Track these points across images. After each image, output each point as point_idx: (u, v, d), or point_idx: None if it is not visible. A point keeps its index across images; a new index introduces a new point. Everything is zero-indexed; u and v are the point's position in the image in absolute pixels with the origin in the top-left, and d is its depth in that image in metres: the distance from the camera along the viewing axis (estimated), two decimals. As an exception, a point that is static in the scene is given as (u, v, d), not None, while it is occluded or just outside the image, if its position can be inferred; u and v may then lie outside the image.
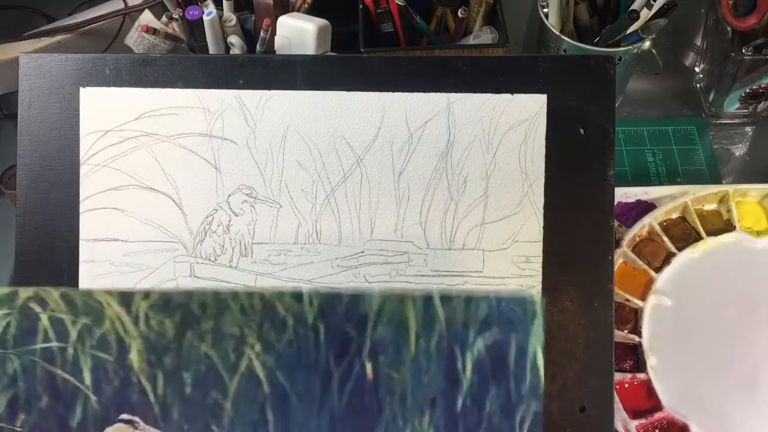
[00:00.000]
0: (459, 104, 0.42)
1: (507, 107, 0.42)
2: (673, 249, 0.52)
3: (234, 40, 0.56)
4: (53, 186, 0.42)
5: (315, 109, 0.42)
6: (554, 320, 0.42)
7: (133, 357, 0.34)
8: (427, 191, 0.43)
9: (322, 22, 0.53)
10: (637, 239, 0.53)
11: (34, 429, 0.34)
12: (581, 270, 0.42)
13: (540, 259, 0.42)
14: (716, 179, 0.61)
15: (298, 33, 0.52)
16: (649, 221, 0.52)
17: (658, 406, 0.46)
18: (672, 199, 0.53)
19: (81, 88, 0.42)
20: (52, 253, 0.42)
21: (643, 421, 0.46)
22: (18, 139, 0.42)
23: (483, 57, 0.44)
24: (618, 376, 0.47)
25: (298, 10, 0.56)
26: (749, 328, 0.49)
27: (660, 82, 0.68)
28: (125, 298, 0.34)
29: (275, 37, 0.54)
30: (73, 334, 0.34)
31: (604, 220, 0.43)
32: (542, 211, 0.43)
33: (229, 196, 0.43)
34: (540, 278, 0.42)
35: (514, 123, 0.43)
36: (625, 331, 0.49)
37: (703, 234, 0.52)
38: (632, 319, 0.50)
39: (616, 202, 0.47)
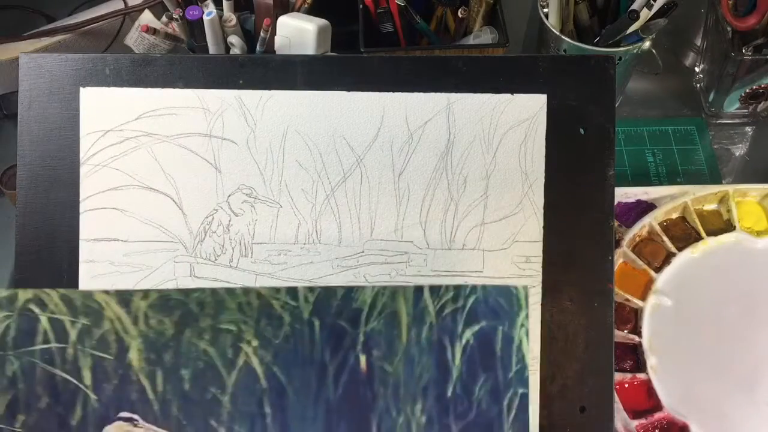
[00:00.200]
0: (459, 104, 0.42)
1: (507, 107, 0.42)
2: (673, 249, 0.52)
3: (234, 40, 0.56)
4: (53, 186, 0.42)
5: (315, 109, 0.42)
6: (554, 320, 0.42)
7: (133, 356, 0.34)
8: (427, 191, 0.43)
9: (322, 22, 0.53)
10: (637, 239, 0.53)
11: (34, 429, 0.34)
12: (581, 270, 0.42)
13: (540, 259, 0.42)
14: (716, 179, 0.61)
15: (298, 33, 0.52)
16: (649, 221, 0.52)
17: (658, 406, 0.46)
18: (672, 199, 0.53)
19: (81, 88, 0.42)
20: (52, 253, 0.42)
21: (643, 421, 0.46)
22: (18, 139, 0.42)
23: (483, 57, 0.44)
24: (618, 376, 0.47)
25: (298, 10, 0.56)
26: (749, 328, 0.49)
27: (660, 82, 0.68)
28: (124, 297, 0.34)
29: (275, 37, 0.54)
30: (73, 335, 0.34)
31: (604, 220, 0.43)
32: (542, 211, 0.43)
33: (229, 196, 0.43)
34: (540, 278, 0.42)
35: (514, 123, 0.43)
36: (625, 331, 0.49)
37: (703, 234, 0.52)
38: (632, 319, 0.50)
39: (616, 202, 0.47)
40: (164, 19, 0.58)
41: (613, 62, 0.43)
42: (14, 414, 0.34)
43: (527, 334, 0.34)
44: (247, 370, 0.34)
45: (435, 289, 0.34)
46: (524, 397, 0.34)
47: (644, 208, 0.54)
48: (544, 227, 0.43)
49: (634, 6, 0.53)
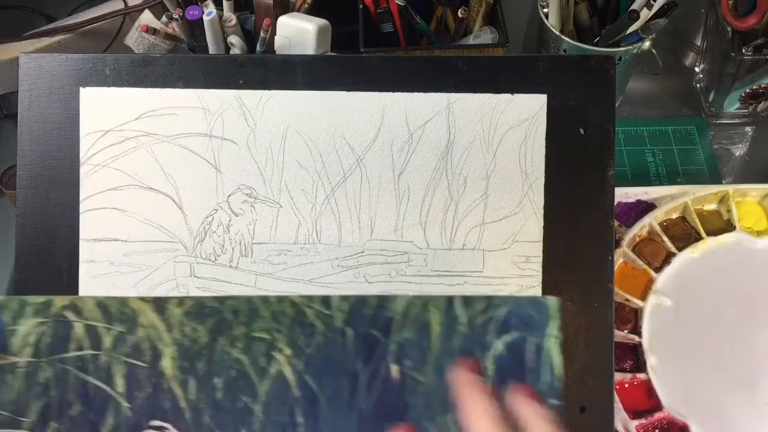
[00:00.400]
0: (459, 104, 0.42)
1: (507, 107, 0.42)
2: (673, 249, 0.52)
3: (234, 40, 0.56)
4: (53, 186, 0.42)
5: (315, 109, 0.42)
6: (554, 320, 0.42)
7: (166, 364, 0.34)
8: (427, 191, 0.43)
9: (322, 22, 0.53)
10: (637, 239, 0.53)
11: None
12: (581, 270, 0.42)
13: (540, 259, 0.42)
14: (716, 179, 0.61)
15: (298, 33, 0.52)
16: (649, 221, 0.52)
17: (658, 406, 0.46)
18: (672, 199, 0.53)
19: (81, 88, 0.42)
20: (52, 253, 0.42)
21: (643, 421, 0.46)
22: (18, 139, 0.42)
23: (483, 57, 0.44)
24: (618, 376, 0.47)
25: (298, 10, 0.56)
26: (749, 328, 0.49)
27: (660, 82, 0.68)
28: (159, 305, 0.34)
29: (275, 37, 0.53)
30: (107, 342, 0.34)
31: (604, 220, 0.43)
32: (542, 211, 0.43)
33: (229, 196, 0.43)
34: (540, 278, 0.42)
35: (514, 123, 0.43)
36: (625, 331, 0.49)
37: (703, 234, 0.52)
38: (632, 319, 0.50)
39: (616, 202, 0.47)
40: (164, 19, 0.58)
41: (613, 62, 0.43)
42: (46, 421, 0.34)
43: (560, 345, 0.34)
44: (280, 379, 0.34)
45: (467, 300, 0.34)
46: (558, 408, 0.33)
47: (644, 208, 0.54)
48: (544, 227, 0.43)
49: (634, 6, 0.53)
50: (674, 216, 0.54)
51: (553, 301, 0.34)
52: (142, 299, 0.34)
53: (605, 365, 0.42)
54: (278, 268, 0.42)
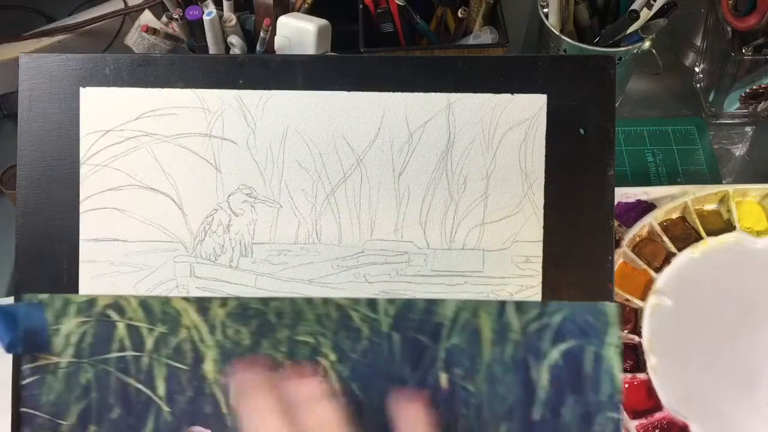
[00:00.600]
0: (459, 104, 0.42)
1: (507, 107, 0.42)
2: (673, 249, 0.52)
3: (234, 40, 0.56)
4: (53, 186, 0.42)
5: (315, 109, 0.42)
6: (554, 320, 0.42)
7: (208, 367, 0.33)
8: (427, 191, 0.43)
9: (322, 22, 0.53)
10: (637, 239, 0.53)
11: None
12: (581, 270, 0.42)
13: (540, 259, 0.42)
14: (716, 179, 0.61)
15: (298, 33, 0.52)
16: (649, 221, 0.52)
17: (658, 406, 0.46)
18: (672, 199, 0.53)
19: (81, 88, 0.42)
20: (52, 253, 0.42)
21: (643, 421, 0.46)
22: (18, 139, 0.42)
23: (483, 57, 0.44)
24: (618, 376, 0.47)
25: (298, 10, 0.56)
26: (749, 328, 0.49)
27: (660, 82, 0.68)
28: (203, 305, 0.33)
29: (275, 37, 0.53)
30: (149, 343, 0.33)
31: (604, 220, 0.43)
32: (542, 211, 0.43)
33: (229, 196, 0.43)
34: (540, 278, 0.42)
35: (514, 123, 0.43)
36: (625, 331, 0.49)
37: (703, 234, 0.52)
38: (632, 319, 0.50)
39: (616, 202, 0.47)
40: (164, 19, 0.58)
41: (613, 62, 0.43)
42: (86, 424, 0.33)
43: (620, 355, 0.32)
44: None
45: (520, 305, 0.32)
46: (617, 423, 0.32)
47: (644, 208, 0.54)
48: (544, 227, 0.43)
49: (634, 6, 0.53)
50: (674, 216, 0.54)
51: (612, 307, 0.32)
52: (186, 299, 0.33)
53: (605, 365, 0.42)
54: (278, 268, 0.42)
